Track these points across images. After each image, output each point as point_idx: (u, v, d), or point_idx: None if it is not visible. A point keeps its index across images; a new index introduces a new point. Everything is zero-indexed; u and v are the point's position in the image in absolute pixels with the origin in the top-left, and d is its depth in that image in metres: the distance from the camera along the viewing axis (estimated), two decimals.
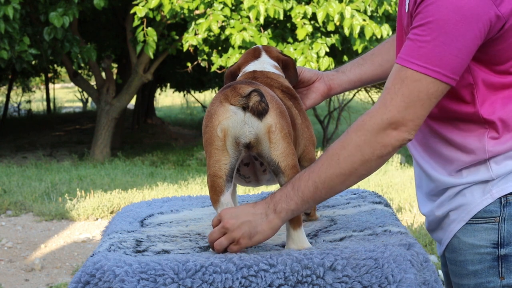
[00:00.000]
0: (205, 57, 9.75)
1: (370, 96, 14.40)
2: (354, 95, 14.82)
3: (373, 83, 2.08)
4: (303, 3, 8.92)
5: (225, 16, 8.79)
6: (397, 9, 9.55)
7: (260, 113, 1.54)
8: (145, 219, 1.95)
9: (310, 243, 1.63)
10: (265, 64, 1.89)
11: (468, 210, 1.66)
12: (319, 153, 11.44)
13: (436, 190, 1.73)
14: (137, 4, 9.17)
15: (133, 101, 16.15)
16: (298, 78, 1.93)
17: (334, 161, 1.52)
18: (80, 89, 18.79)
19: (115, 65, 16.78)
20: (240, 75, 1.89)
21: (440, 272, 4.40)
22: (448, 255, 1.75)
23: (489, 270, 1.65)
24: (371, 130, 1.51)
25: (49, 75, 20.53)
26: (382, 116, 1.51)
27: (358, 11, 8.54)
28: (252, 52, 1.94)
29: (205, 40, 9.26)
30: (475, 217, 1.66)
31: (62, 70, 21.76)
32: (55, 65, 17.79)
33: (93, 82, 13.76)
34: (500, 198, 1.63)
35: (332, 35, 9.16)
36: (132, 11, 9.31)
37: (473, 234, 1.66)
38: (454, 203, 1.69)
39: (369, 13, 8.83)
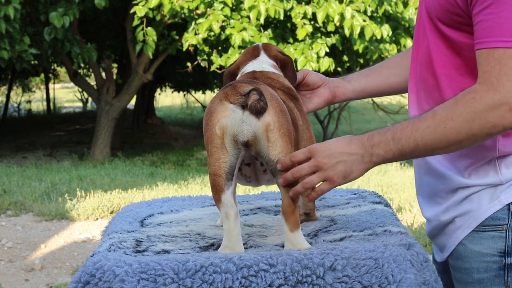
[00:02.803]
0: (205, 57, 9.75)
1: None
2: None
3: (377, 96, 2.06)
4: (303, 3, 8.92)
5: (225, 16, 8.80)
6: (397, 9, 9.48)
7: (258, 112, 1.54)
8: (145, 219, 1.95)
9: (310, 243, 1.62)
10: (263, 63, 1.88)
11: (475, 217, 1.65)
12: None
13: (444, 191, 1.71)
14: (137, 4, 9.17)
15: (133, 101, 16.15)
16: (296, 78, 1.93)
17: (441, 128, 1.52)
18: (80, 89, 18.79)
19: (115, 65, 16.78)
20: (239, 75, 1.88)
21: None
22: (452, 262, 1.74)
23: (495, 279, 1.65)
24: (482, 109, 1.50)
25: (49, 75, 20.53)
26: (493, 96, 1.49)
27: (358, 11, 8.54)
28: (251, 51, 1.93)
29: (205, 40, 9.26)
30: (482, 225, 1.65)
31: (62, 70, 21.77)
32: (54, 65, 17.79)
33: (93, 82, 13.77)
34: (508, 204, 1.62)
35: (332, 35, 9.17)
36: (132, 11, 9.31)
37: (479, 241, 1.65)
38: (461, 209, 1.68)
39: (369, 13, 8.83)
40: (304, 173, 1.56)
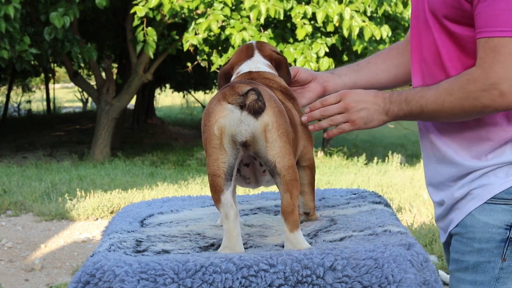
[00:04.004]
0: (205, 57, 9.75)
1: None
2: None
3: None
4: (303, 3, 8.92)
5: (225, 16, 8.80)
6: (396, 9, 9.45)
7: (256, 112, 1.54)
8: (145, 219, 1.95)
9: (310, 243, 1.62)
10: (258, 64, 1.88)
11: (489, 190, 1.71)
12: (318, 153, 11.44)
13: (459, 176, 1.75)
14: (137, 4, 9.17)
15: (133, 101, 16.15)
16: (290, 77, 1.93)
17: (440, 100, 1.68)
18: (80, 89, 18.79)
19: (115, 65, 16.78)
20: (234, 76, 1.88)
21: (441, 272, 4.40)
22: (454, 232, 1.77)
23: (494, 250, 1.69)
24: (474, 90, 1.62)
25: (49, 75, 20.53)
26: (485, 81, 1.60)
27: (358, 11, 8.54)
28: (245, 50, 1.93)
29: (205, 40, 9.26)
30: (495, 198, 1.70)
31: (61, 70, 21.77)
32: (54, 65, 17.78)
33: (93, 82, 13.76)
34: None
35: (332, 35, 9.17)
36: (132, 11, 9.31)
37: (489, 213, 1.70)
38: (476, 184, 1.73)
39: (368, 14, 8.83)
40: (332, 113, 1.77)
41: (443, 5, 1.67)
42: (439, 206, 1.84)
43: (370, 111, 1.76)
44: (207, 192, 7.24)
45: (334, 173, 9.35)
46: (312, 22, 8.96)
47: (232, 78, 1.88)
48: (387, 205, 2.01)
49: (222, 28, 8.93)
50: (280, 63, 1.92)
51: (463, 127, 1.73)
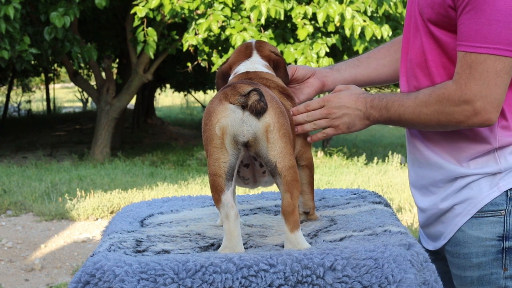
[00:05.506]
0: (205, 57, 9.75)
1: None
2: None
3: (367, 85, 2.11)
4: (304, 3, 8.92)
5: (225, 16, 8.80)
6: (396, 10, 9.50)
7: (258, 112, 1.54)
8: (145, 219, 1.95)
9: (310, 243, 1.62)
10: (256, 64, 1.88)
11: (474, 204, 1.71)
12: (318, 153, 11.44)
13: (442, 181, 1.75)
14: (137, 4, 9.17)
15: (133, 101, 16.15)
16: (288, 78, 1.93)
17: (417, 111, 1.69)
18: (80, 89, 18.79)
19: (115, 65, 16.78)
20: (231, 76, 1.88)
21: None
22: (450, 249, 1.78)
23: (493, 262, 1.70)
24: (449, 105, 1.62)
25: (49, 75, 20.53)
26: (459, 97, 1.60)
27: (358, 11, 8.54)
28: (243, 50, 1.92)
29: (205, 40, 9.26)
30: (481, 211, 1.70)
31: (61, 70, 21.77)
32: (55, 65, 17.78)
33: (93, 82, 13.75)
34: (506, 191, 1.68)
35: (332, 35, 9.17)
36: (132, 11, 9.31)
37: (478, 227, 1.71)
38: (460, 197, 1.73)
39: (369, 14, 8.84)
40: (315, 118, 1.78)
41: (430, 10, 1.66)
42: (422, 212, 1.84)
43: (352, 117, 1.77)
44: (207, 192, 7.24)
45: (334, 173, 9.36)
46: (313, 22, 8.96)
47: (230, 78, 1.88)
48: (387, 205, 2.01)
49: (222, 29, 8.93)
50: (278, 64, 1.92)
51: (446, 133, 1.73)
